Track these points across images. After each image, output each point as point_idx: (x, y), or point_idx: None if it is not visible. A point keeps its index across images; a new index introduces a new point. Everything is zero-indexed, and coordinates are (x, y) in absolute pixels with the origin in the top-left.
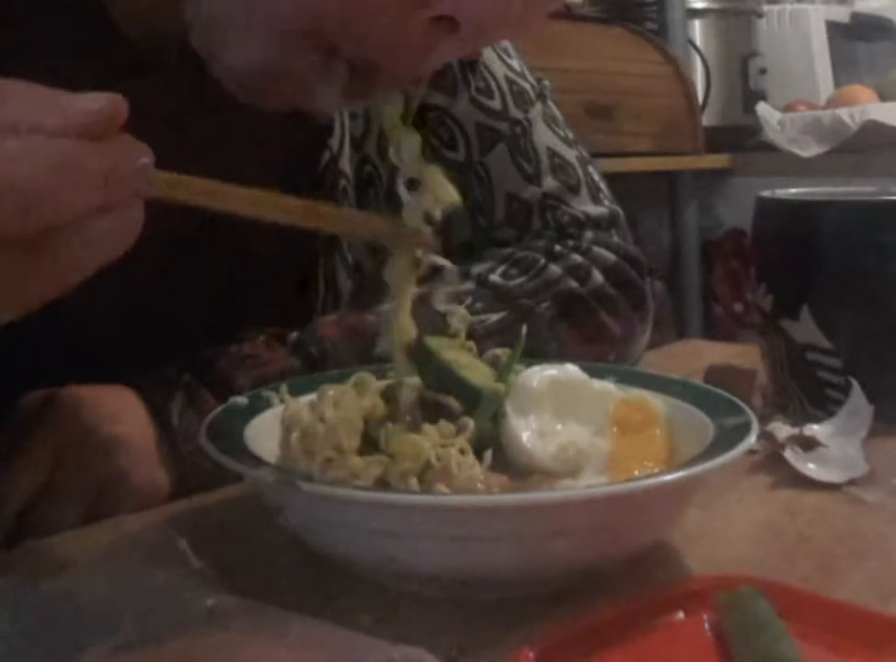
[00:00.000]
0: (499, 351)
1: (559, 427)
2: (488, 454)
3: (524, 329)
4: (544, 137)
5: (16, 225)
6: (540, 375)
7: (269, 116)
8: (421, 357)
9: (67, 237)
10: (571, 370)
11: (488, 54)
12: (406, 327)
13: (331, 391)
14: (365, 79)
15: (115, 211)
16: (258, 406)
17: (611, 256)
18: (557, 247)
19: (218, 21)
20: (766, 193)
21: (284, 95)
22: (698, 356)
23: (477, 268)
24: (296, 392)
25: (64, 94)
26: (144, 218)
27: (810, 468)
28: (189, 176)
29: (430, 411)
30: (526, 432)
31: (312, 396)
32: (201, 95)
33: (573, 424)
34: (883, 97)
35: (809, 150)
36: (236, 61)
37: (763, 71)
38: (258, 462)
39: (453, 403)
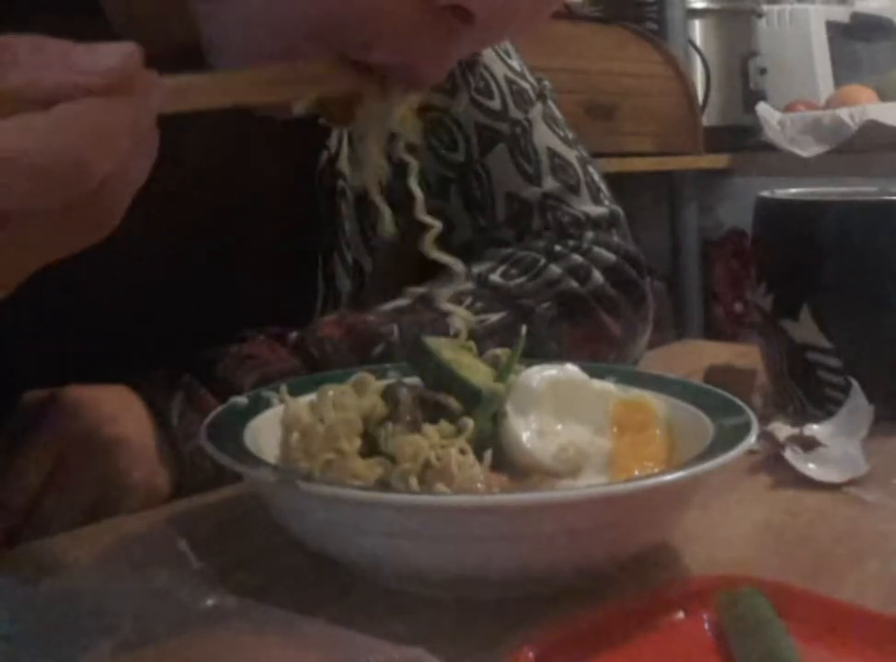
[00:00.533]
0: (498, 351)
1: (559, 427)
2: (488, 454)
3: (524, 329)
4: (544, 137)
5: (52, 199)
6: (540, 375)
7: (267, 116)
8: (421, 357)
9: (98, 194)
10: (571, 370)
11: (488, 54)
12: (380, 164)
13: (331, 391)
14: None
15: (138, 151)
16: (258, 406)
17: (611, 257)
18: (558, 247)
19: (225, 28)
20: (766, 193)
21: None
22: (698, 356)
23: (478, 269)
24: (296, 392)
25: (76, 48)
26: (144, 217)
27: (810, 468)
28: (195, 77)
29: (430, 411)
30: (526, 432)
31: (312, 396)
32: None
33: (573, 424)
34: (883, 96)
35: (809, 150)
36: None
37: (763, 71)
38: (258, 462)
39: (453, 403)
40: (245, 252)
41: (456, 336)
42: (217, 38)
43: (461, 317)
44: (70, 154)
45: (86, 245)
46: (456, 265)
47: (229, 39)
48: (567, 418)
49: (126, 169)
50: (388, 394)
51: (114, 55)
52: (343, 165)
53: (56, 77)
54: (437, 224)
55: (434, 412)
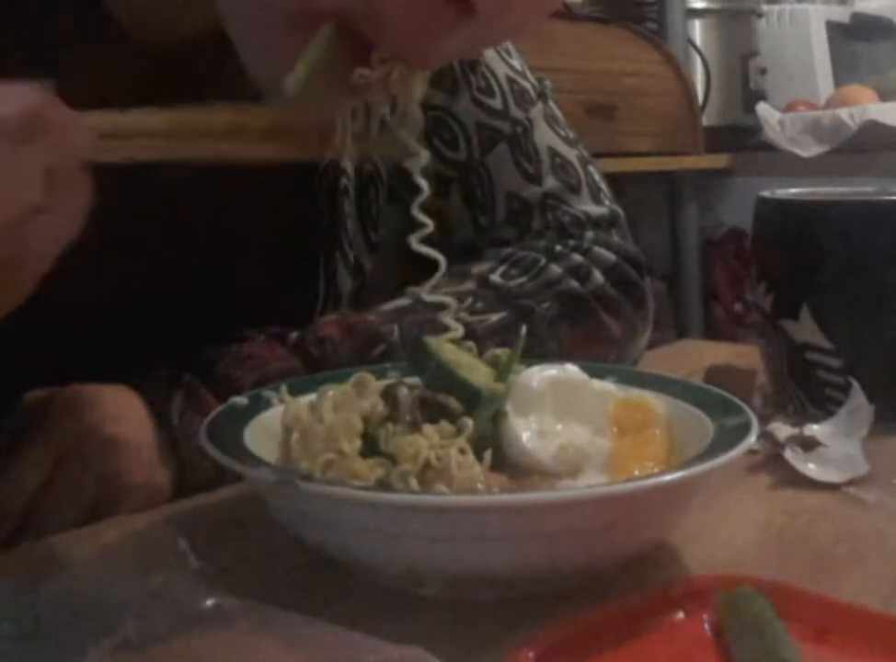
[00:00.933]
0: (498, 351)
1: (559, 427)
2: (488, 454)
3: (524, 329)
4: (545, 137)
5: None
6: (540, 375)
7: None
8: (421, 357)
9: (8, 238)
10: (571, 370)
11: (489, 54)
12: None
13: (331, 391)
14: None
15: (55, 207)
16: (258, 406)
17: (611, 257)
18: (558, 247)
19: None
20: (766, 193)
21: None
22: (698, 356)
23: (478, 268)
24: (296, 392)
25: None
26: (144, 216)
27: (810, 468)
28: (120, 116)
29: (430, 411)
30: (526, 432)
31: (312, 396)
32: (204, 91)
33: (573, 424)
34: (883, 96)
35: (809, 150)
36: (256, 60)
37: (763, 71)
38: (258, 462)
39: (453, 403)
40: (246, 251)
41: (447, 329)
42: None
43: (453, 313)
44: None
45: (15, 299)
46: (440, 258)
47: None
48: (567, 418)
49: (43, 212)
50: (388, 394)
51: (13, 100)
52: (346, 162)
53: None
54: (429, 224)
55: (434, 412)
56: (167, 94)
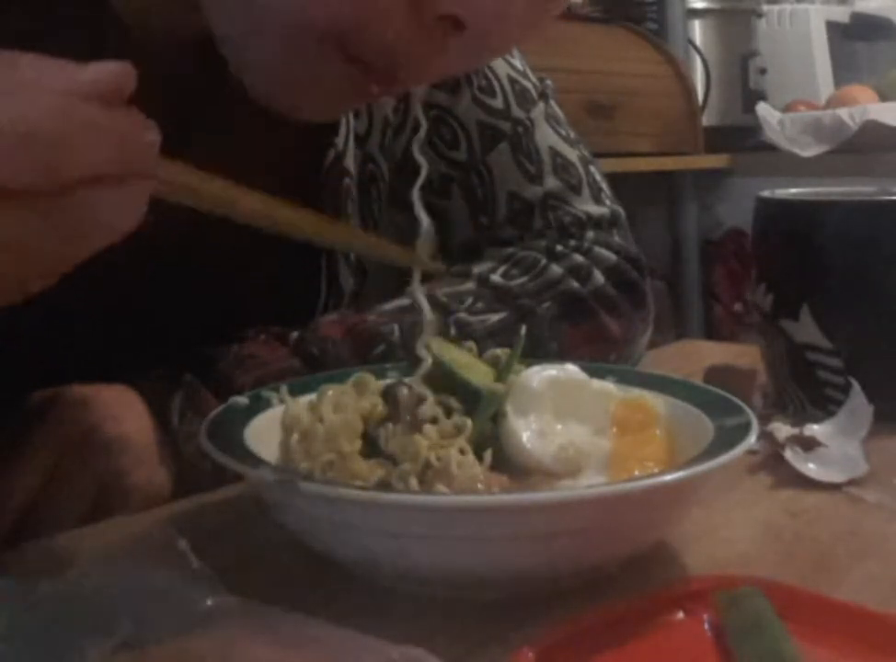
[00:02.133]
0: (498, 351)
1: (559, 427)
2: (488, 454)
3: (524, 329)
4: (546, 136)
5: (33, 176)
6: (540, 375)
7: (276, 114)
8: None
9: (80, 200)
10: (571, 370)
11: None
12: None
13: (331, 391)
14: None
15: (127, 182)
16: (258, 406)
17: (612, 257)
18: (559, 247)
19: (233, 28)
20: (766, 193)
21: (318, 104)
22: (698, 356)
23: (478, 268)
24: (296, 392)
25: (72, 63)
26: (145, 215)
27: (810, 468)
28: (198, 172)
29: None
30: (526, 432)
31: (312, 396)
32: (208, 94)
33: (573, 424)
34: (883, 97)
35: (809, 150)
36: (257, 71)
37: (763, 71)
38: (258, 461)
39: (453, 403)
40: (247, 250)
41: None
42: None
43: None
44: (51, 129)
45: (61, 266)
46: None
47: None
48: (567, 418)
49: (104, 183)
50: (388, 394)
51: (108, 70)
52: (349, 162)
53: (51, 80)
54: (424, 165)
55: (434, 412)
56: (169, 101)
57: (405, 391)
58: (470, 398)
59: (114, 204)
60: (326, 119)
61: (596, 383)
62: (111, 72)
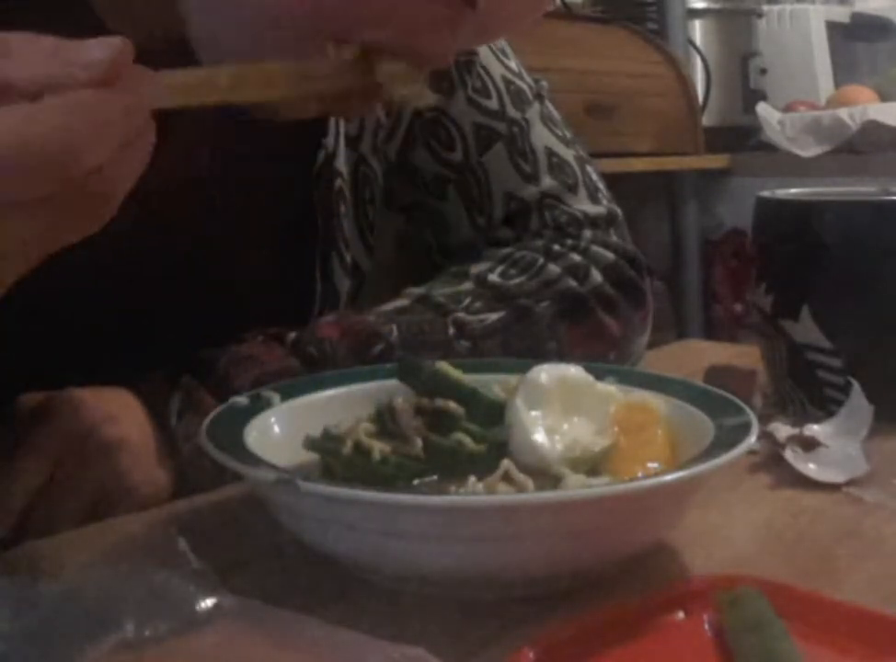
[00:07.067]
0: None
1: (566, 426)
2: (506, 463)
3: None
4: (541, 137)
5: (45, 184)
6: (549, 372)
7: (264, 115)
8: (411, 373)
9: (89, 184)
10: (577, 369)
11: (485, 54)
12: None
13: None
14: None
15: (133, 144)
16: (258, 406)
17: (609, 256)
18: (556, 247)
19: (218, 20)
20: (766, 193)
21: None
22: (698, 356)
23: (476, 268)
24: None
25: (67, 43)
26: (142, 217)
27: (810, 468)
28: (192, 72)
29: (431, 418)
30: (537, 430)
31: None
32: None
33: (577, 423)
34: (883, 97)
35: (809, 150)
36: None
37: (763, 71)
38: (257, 461)
39: (453, 406)
40: (243, 252)
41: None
42: (208, 31)
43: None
44: (59, 138)
45: (78, 238)
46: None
47: (222, 31)
48: (572, 417)
49: (118, 161)
50: (385, 409)
51: (103, 49)
52: (340, 164)
53: (48, 70)
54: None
55: (435, 418)
56: None
57: (400, 400)
58: (469, 398)
59: (125, 166)
60: (301, 117)
61: (599, 384)
62: (106, 53)
